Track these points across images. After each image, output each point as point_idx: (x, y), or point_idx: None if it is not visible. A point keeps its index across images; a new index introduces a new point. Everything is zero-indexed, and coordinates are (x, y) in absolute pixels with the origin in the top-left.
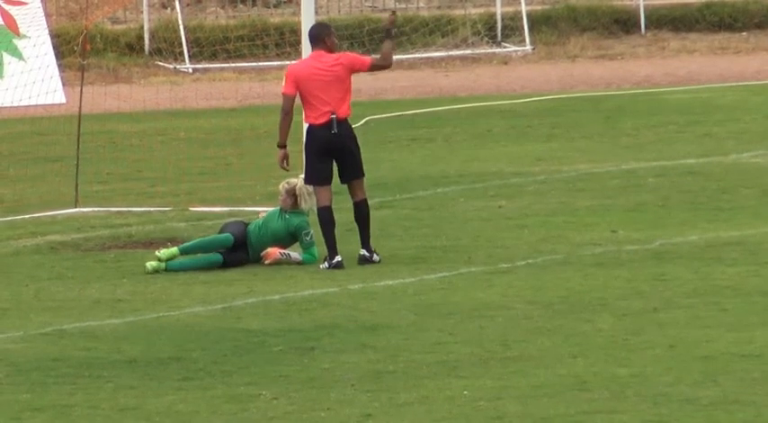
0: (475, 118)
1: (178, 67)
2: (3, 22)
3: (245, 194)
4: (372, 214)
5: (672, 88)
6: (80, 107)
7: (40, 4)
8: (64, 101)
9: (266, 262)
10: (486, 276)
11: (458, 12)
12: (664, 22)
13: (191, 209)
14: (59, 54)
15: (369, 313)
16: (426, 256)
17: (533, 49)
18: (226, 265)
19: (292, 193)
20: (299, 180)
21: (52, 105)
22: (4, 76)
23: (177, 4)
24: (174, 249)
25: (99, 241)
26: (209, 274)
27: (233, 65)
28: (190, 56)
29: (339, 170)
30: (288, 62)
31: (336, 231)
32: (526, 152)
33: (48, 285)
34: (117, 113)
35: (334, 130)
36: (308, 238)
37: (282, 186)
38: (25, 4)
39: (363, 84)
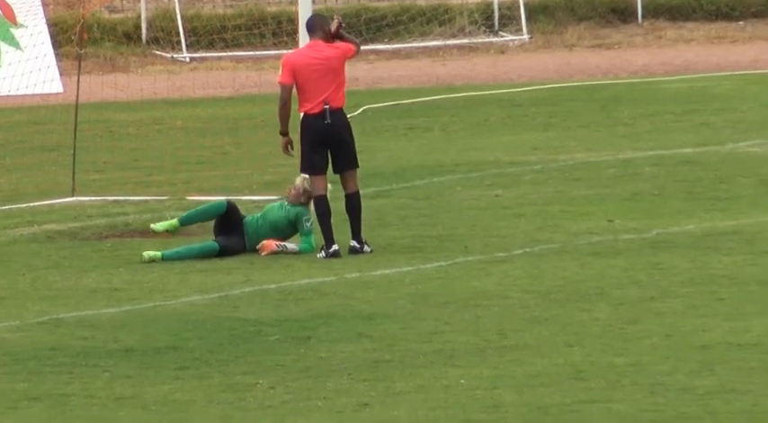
0: (472, 107)
1: (175, 56)
2: (0, 12)
3: (241, 183)
4: (368, 203)
5: (669, 77)
6: (77, 96)
7: None
8: (61, 90)
9: (263, 254)
10: (482, 265)
11: (455, 1)
12: (661, 11)
13: (187, 198)
14: (56, 43)
15: (365, 302)
16: (423, 245)
17: (530, 38)
18: (222, 253)
19: (308, 196)
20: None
21: (49, 94)
22: (2, 66)
23: None
24: (174, 221)
25: (96, 230)
26: (206, 264)
27: (230, 54)
28: (187, 45)
29: (333, 160)
30: (285, 51)
31: (333, 221)
32: (523, 141)
33: (44, 274)
34: (114, 103)
35: (328, 120)
36: (308, 225)
37: (302, 184)
38: None
39: (361, 73)
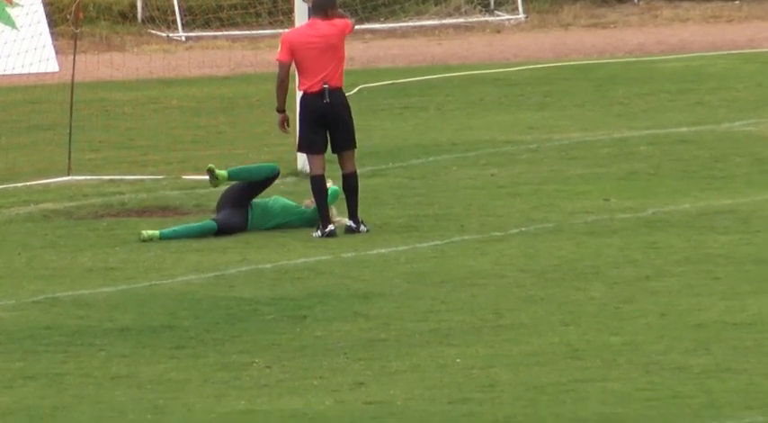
0: (467, 86)
1: (171, 35)
2: None
3: (237, 163)
4: (364, 183)
5: (664, 57)
6: (73, 75)
7: None
8: (57, 69)
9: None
10: (478, 245)
11: None
12: None
13: (183, 177)
14: (52, 22)
15: (361, 282)
16: (419, 224)
17: (526, 17)
18: (220, 232)
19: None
20: (342, 220)
21: (45, 74)
22: None
23: None
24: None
25: (92, 209)
26: (203, 242)
27: (226, 33)
28: (183, 24)
29: (331, 140)
30: (281, 30)
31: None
32: (518, 120)
33: (40, 253)
34: (110, 82)
35: (327, 100)
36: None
37: (331, 213)
38: None
39: (356, 52)
